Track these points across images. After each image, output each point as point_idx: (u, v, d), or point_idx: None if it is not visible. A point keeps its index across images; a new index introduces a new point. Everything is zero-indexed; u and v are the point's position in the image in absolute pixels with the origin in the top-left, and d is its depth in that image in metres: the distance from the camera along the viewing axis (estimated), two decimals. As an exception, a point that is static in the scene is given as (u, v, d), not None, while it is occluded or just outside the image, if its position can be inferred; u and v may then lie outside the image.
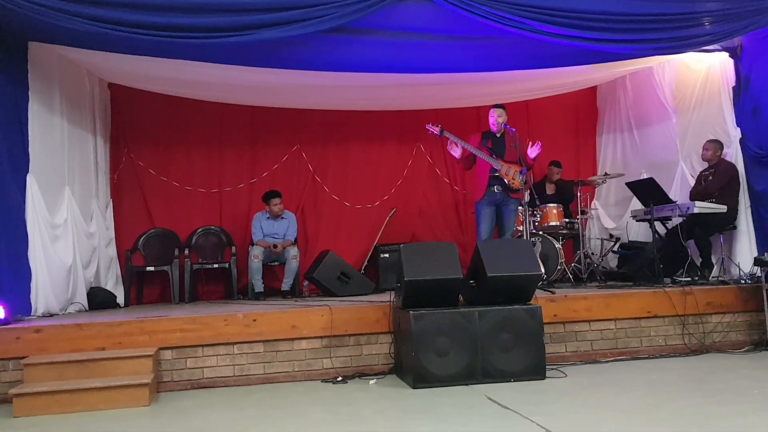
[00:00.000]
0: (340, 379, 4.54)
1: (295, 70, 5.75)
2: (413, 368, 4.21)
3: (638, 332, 5.19)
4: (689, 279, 5.95)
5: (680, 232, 6.16)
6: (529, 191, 6.07)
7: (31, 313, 4.96)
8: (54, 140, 5.52)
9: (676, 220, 6.34)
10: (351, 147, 7.99)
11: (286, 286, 6.83)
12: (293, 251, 6.87)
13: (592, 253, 7.25)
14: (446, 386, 4.18)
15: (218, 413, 3.79)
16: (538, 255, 5.94)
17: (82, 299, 5.77)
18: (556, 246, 6.62)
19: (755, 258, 5.64)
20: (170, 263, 6.92)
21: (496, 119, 6.06)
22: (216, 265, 7.12)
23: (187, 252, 7.10)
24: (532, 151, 6.03)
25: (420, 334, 4.23)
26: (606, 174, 7.29)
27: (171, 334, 4.49)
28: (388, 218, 7.72)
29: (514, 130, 5.99)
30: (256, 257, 6.76)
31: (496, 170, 6.00)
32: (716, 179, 6.21)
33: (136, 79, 6.40)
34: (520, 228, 6.28)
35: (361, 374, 4.66)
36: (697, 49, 6.16)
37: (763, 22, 5.55)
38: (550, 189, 7.82)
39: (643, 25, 5.38)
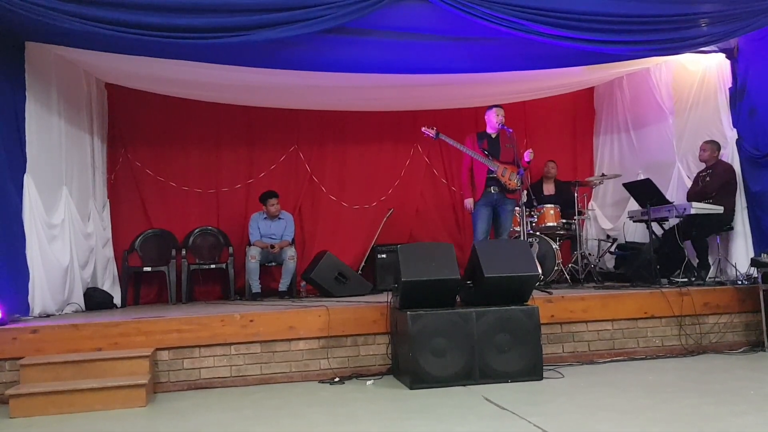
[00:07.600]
0: (337, 379, 4.54)
1: (292, 70, 5.75)
2: (410, 369, 4.21)
3: (635, 333, 5.20)
4: (686, 280, 5.95)
5: (677, 233, 6.16)
6: (526, 192, 6.09)
7: (28, 314, 4.95)
8: (51, 140, 5.51)
9: (673, 221, 6.34)
10: (348, 147, 7.98)
11: (283, 286, 6.83)
12: (290, 252, 6.86)
13: (590, 254, 7.26)
14: (443, 387, 4.18)
15: (215, 414, 3.79)
16: (535, 256, 5.95)
17: (79, 300, 5.75)
18: (554, 247, 6.63)
19: (752, 259, 5.66)
20: (167, 264, 6.89)
21: (500, 119, 6.06)
22: (213, 266, 7.11)
23: (184, 252, 7.08)
24: (526, 155, 6.05)
25: (417, 334, 4.23)
26: (603, 175, 7.30)
27: (168, 335, 4.49)
28: (385, 219, 7.71)
29: (511, 130, 6.01)
30: (253, 258, 6.75)
31: (492, 171, 6.01)
32: (714, 180, 6.22)
33: (133, 79, 6.40)
34: (518, 229, 6.29)
35: (359, 375, 4.66)
36: (693, 51, 6.18)
37: (759, 23, 5.57)
38: (547, 189, 7.82)
39: (639, 27, 5.39)
